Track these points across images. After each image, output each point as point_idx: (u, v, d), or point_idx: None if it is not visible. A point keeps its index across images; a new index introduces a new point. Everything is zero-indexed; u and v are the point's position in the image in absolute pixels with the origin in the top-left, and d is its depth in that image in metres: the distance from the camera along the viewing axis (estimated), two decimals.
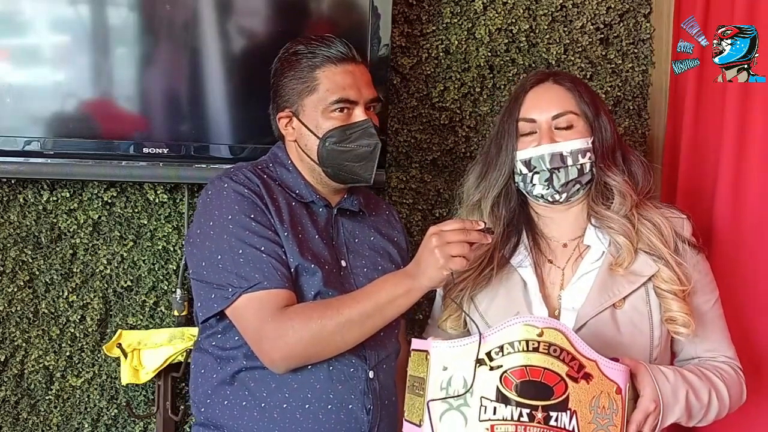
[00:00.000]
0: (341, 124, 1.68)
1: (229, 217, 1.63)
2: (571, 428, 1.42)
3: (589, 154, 1.69)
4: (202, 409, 1.69)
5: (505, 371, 1.42)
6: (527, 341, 1.42)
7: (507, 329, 1.44)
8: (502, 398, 1.41)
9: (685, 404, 1.58)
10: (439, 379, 1.44)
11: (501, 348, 1.43)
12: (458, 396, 1.42)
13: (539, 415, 1.41)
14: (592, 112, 1.71)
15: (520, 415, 1.40)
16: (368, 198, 1.85)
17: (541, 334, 1.43)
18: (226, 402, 1.65)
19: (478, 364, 1.43)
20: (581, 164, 1.69)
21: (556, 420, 1.41)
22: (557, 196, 1.70)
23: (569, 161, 1.68)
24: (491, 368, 1.42)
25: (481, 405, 1.42)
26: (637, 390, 1.54)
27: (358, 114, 1.69)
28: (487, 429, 1.41)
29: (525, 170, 1.70)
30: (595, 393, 1.44)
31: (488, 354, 1.43)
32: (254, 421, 1.62)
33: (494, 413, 1.41)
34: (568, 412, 1.42)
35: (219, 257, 1.62)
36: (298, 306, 1.60)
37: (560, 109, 1.70)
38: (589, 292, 1.67)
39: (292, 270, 1.63)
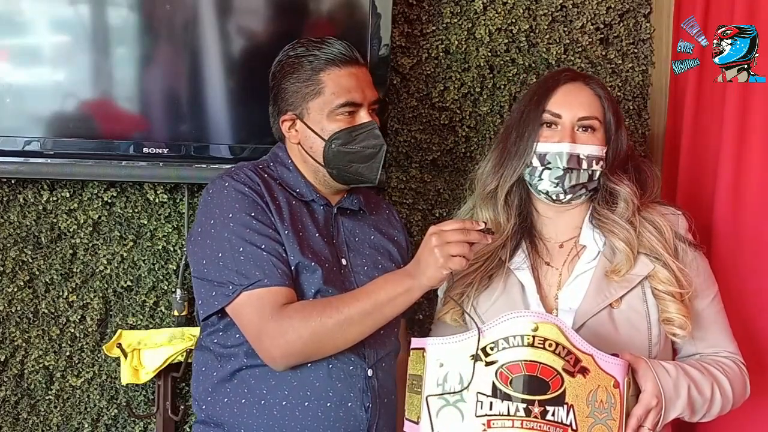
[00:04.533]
0: (347, 126, 1.69)
1: (230, 215, 1.64)
2: (568, 422, 1.41)
3: (601, 163, 1.70)
4: (203, 407, 1.70)
5: (501, 366, 1.42)
6: (522, 336, 1.43)
7: (502, 324, 1.44)
8: (498, 393, 1.41)
9: (687, 399, 1.58)
10: (435, 376, 1.45)
11: (496, 343, 1.43)
12: (455, 392, 1.42)
13: (536, 409, 1.40)
14: (615, 124, 1.72)
15: (517, 410, 1.40)
16: (368, 197, 1.86)
17: (536, 329, 1.43)
18: (226, 399, 1.66)
19: (473, 360, 1.43)
20: (593, 171, 1.70)
21: (553, 414, 1.41)
22: (562, 196, 1.71)
23: (584, 165, 1.69)
24: (487, 364, 1.42)
25: (477, 400, 1.42)
26: (638, 385, 1.54)
27: (363, 116, 1.70)
28: (484, 424, 1.41)
29: (537, 163, 1.70)
30: (592, 387, 1.44)
31: (483, 349, 1.43)
32: (254, 419, 1.63)
33: (491, 408, 1.41)
34: (565, 406, 1.42)
35: (220, 255, 1.62)
36: (298, 304, 1.61)
37: (588, 112, 1.70)
38: (586, 293, 1.67)
39: (293, 268, 1.63)
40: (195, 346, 1.79)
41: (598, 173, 1.71)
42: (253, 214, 1.64)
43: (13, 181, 2.09)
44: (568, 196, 1.71)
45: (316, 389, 1.62)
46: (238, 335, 1.65)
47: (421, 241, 1.54)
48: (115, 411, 2.17)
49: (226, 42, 2.08)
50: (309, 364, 1.62)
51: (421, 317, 2.24)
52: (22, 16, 1.98)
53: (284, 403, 1.62)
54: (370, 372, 1.66)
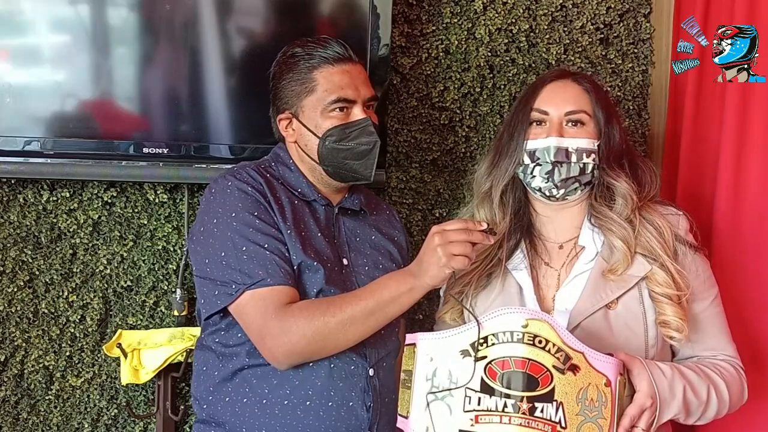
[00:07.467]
0: (340, 123, 1.70)
1: (233, 214, 1.64)
2: (557, 420, 1.40)
3: (593, 156, 1.70)
4: (204, 406, 1.70)
5: (490, 362, 1.42)
6: (512, 332, 1.42)
7: (492, 320, 1.44)
8: (486, 389, 1.41)
9: (682, 400, 1.57)
10: (424, 370, 1.45)
11: (485, 339, 1.43)
12: (452, 389, 1.42)
13: (524, 406, 1.40)
14: (604, 116, 1.72)
15: (505, 405, 1.40)
16: (369, 197, 1.86)
17: (526, 326, 1.42)
18: (227, 399, 1.66)
19: (462, 356, 1.43)
20: (584, 163, 1.69)
21: (542, 411, 1.40)
22: (554, 191, 1.71)
23: (573, 158, 1.68)
24: (476, 359, 1.42)
25: (466, 396, 1.42)
26: (633, 385, 1.53)
27: (357, 113, 1.71)
28: (472, 420, 1.40)
29: (528, 161, 1.71)
30: (583, 385, 1.43)
31: (473, 345, 1.43)
32: (255, 418, 1.63)
33: (479, 404, 1.41)
34: (554, 403, 1.41)
35: (222, 254, 1.62)
36: (302, 303, 1.61)
37: (574, 106, 1.71)
38: (581, 293, 1.66)
39: (295, 267, 1.64)
40: (195, 345, 1.79)
41: (590, 166, 1.70)
42: (256, 214, 1.64)
43: (13, 181, 2.09)
44: (561, 191, 1.71)
45: (317, 388, 1.62)
46: (240, 334, 1.65)
47: (422, 241, 1.55)
48: (115, 411, 2.17)
49: (226, 42, 2.08)
50: (311, 364, 1.62)
51: (421, 317, 2.24)
52: (22, 16, 1.99)
53: (286, 402, 1.62)
54: (371, 371, 1.67)
